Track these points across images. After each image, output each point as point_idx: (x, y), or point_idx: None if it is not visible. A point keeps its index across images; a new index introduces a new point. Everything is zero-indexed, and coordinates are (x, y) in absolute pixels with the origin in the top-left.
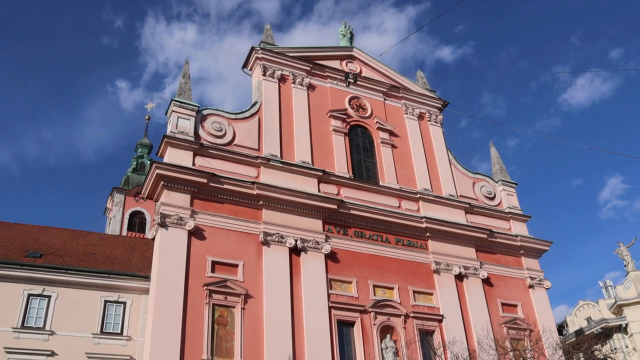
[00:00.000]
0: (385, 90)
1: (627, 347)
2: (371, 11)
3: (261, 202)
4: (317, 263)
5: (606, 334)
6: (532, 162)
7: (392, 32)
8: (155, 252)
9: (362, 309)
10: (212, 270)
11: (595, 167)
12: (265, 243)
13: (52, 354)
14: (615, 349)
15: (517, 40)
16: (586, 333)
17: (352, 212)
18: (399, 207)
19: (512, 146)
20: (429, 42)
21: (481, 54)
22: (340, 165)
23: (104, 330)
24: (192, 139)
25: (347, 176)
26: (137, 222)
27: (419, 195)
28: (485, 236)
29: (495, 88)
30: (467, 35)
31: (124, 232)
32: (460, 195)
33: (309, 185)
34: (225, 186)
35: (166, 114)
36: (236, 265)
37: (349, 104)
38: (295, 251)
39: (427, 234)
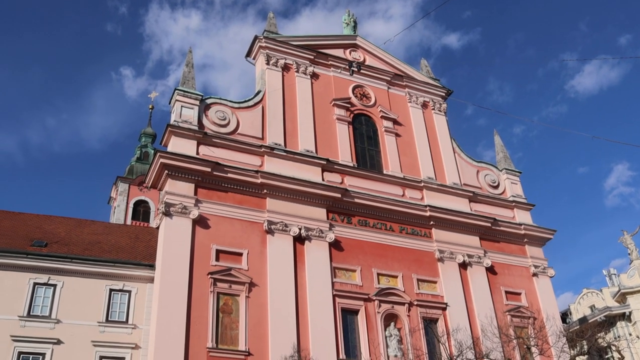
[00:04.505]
0: (389, 78)
1: (630, 335)
2: None
3: (265, 190)
4: (321, 251)
5: (610, 322)
6: (538, 149)
7: (398, 19)
8: (159, 241)
9: (367, 297)
10: (217, 259)
11: (601, 154)
12: (270, 232)
13: (58, 342)
14: (618, 336)
15: (524, 27)
16: (590, 321)
17: (356, 200)
18: (403, 195)
19: (518, 133)
20: (436, 29)
21: (488, 40)
22: (344, 153)
23: (109, 319)
24: (196, 128)
25: (351, 165)
26: (141, 211)
27: (422, 184)
28: (489, 224)
29: (501, 75)
30: (474, 22)
31: (129, 221)
32: (464, 184)
33: (312, 173)
34: (229, 175)
35: (170, 102)
36: (240, 254)
37: (353, 93)
38: (299, 240)
39: (431, 222)
